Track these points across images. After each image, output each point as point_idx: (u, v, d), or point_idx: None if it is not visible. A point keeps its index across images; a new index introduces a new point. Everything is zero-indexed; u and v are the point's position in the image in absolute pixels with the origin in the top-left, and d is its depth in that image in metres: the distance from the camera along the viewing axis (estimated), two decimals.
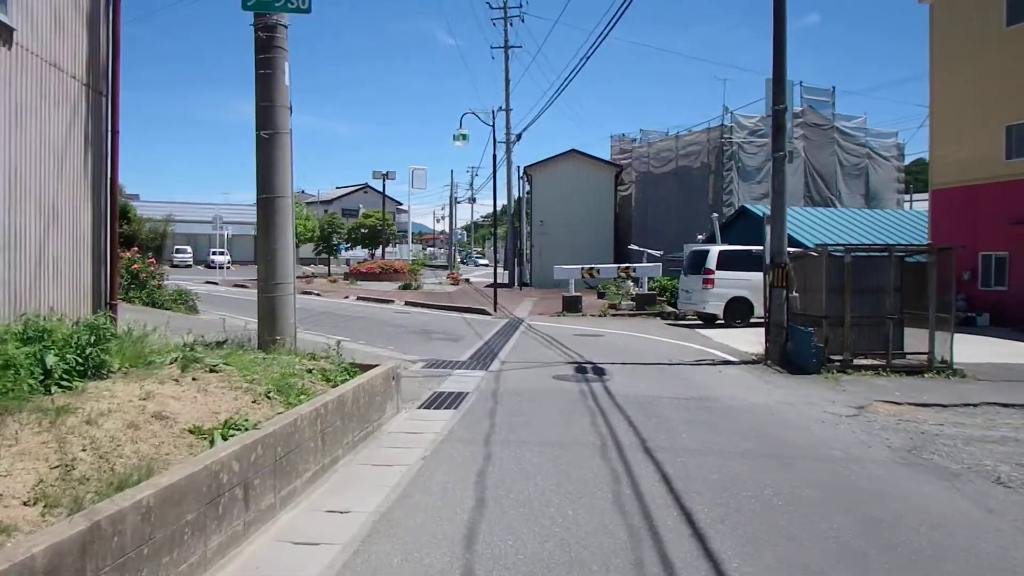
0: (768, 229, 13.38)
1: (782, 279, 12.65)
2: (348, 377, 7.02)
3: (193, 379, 5.72)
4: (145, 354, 6.01)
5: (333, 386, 6.59)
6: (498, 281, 28.35)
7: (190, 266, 54.26)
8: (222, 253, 53.03)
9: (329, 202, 73.06)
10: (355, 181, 79.72)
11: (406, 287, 33.79)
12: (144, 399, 5.07)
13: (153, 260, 19.01)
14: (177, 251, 56.03)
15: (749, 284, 18.17)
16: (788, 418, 8.27)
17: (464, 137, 27.24)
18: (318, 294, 29.92)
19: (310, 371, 6.79)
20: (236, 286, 34.67)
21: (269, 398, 5.69)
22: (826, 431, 7.64)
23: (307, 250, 57.10)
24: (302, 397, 5.88)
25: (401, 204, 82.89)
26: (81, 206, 7.31)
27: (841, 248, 12.70)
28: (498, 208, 31.20)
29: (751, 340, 15.12)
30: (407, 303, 26.22)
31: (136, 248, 19.38)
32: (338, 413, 5.93)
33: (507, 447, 6.62)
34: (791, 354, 12.18)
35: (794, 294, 12.76)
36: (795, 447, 6.95)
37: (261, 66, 7.77)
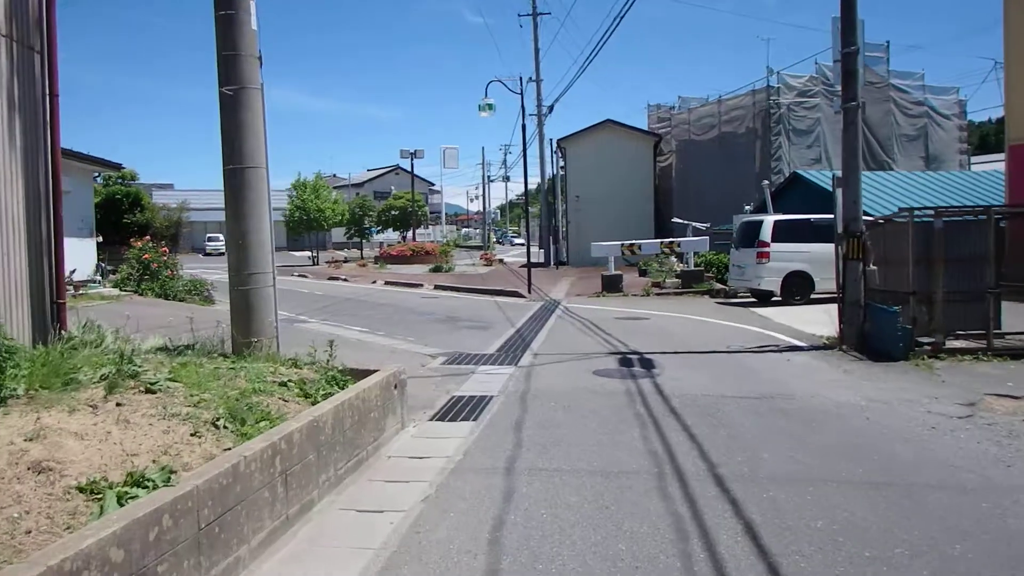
0: (839, 193, 11.74)
1: (858, 250, 11.02)
2: (334, 389, 5.58)
3: (117, 404, 4.33)
4: (65, 371, 4.64)
5: (313, 403, 5.15)
6: (533, 260, 26.82)
7: (223, 254, 53.46)
8: None
9: (360, 185, 71.95)
10: (388, 164, 78.26)
11: (437, 269, 32.44)
12: (31, 439, 3.69)
13: (166, 249, 17.88)
14: (210, 239, 55.48)
15: (809, 257, 16.71)
16: (889, 423, 6.64)
17: (490, 107, 25.57)
18: (345, 279, 28.74)
19: (285, 384, 5.34)
20: None
21: (216, 427, 4.27)
22: (943, 442, 5.99)
23: (339, 234, 56.22)
24: (263, 424, 4.45)
25: (434, 185, 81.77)
26: (7, 185, 5.95)
27: (929, 212, 11.01)
28: (530, 183, 29.66)
29: (817, 320, 13.52)
30: (436, 287, 24.86)
31: (148, 237, 18.25)
32: (311, 443, 4.48)
33: (535, 478, 5.12)
34: (870, 337, 10.56)
35: (871, 267, 11.13)
36: (912, 469, 5.33)
37: (221, 6, 6.29)
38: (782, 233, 17.31)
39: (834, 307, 13.91)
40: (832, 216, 18.49)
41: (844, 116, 11.64)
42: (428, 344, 11.90)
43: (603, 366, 9.80)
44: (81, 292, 15.43)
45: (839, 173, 12.01)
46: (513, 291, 21.82)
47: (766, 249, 17.24)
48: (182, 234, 27.58)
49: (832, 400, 7.59)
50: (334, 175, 76.15)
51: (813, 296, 16.97)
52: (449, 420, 6.85)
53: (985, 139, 45.85)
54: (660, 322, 14.71)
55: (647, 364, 9.93)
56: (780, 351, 11.03)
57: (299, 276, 31.49)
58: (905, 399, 7.54)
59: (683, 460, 5.54)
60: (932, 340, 10.15)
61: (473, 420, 6.82)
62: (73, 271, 16.48)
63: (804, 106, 29.14)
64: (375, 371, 6.21)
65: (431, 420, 6.87)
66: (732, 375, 9.14)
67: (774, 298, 17.55)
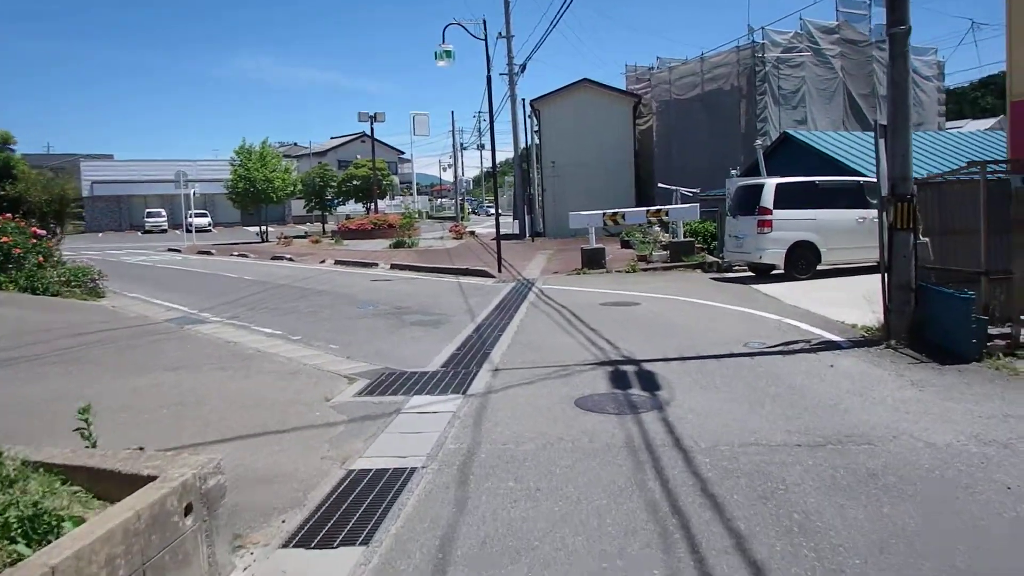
0: (882, 145, 9.22)
1: (908, 218, 8.54)
2: None
3: None
4: None
5: None
6: (507, 232, 23.69)
7: (165, 231, 49.96)
8: (203, 215, 48.93)
9: (323, 154, 67.80)
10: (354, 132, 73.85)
11: (399, 245, 29.18)
12: None
13: (36, 230, 14.37)
14: (149, 215, 52.14)
15: (815, 225, 14.74)
16: None
17: (448, 54, 22.06)
18: (290, 259, 25.35)
19: None
20: (200, 253, 30.33)
21: None
22: None
23: (300, 207, 52.64)
24: None
25: (403, 153, 77.98)
26: None
27: (1002, 167, 8.87)
28: (505, 150, 26.57)
29: (836, 300, 11.22)
30: (393, 266, 21.70)
31: (11, 215, 14.67)
32: None
33: None
34: (927, 329, 8.27)
35: (922, 239, 8.60)
36: None
37: None
38: (785, 198, 14.94)
39: (848, 281, 11.93)
40: (841, 179, 15.96)
41: (890, 45, 9.12)
42: (352, 355, 8.81)
43: (590, 389, 6.87)
44: None
45: (881, 123, 9.53)
46: (481, 270, 18.79)
47: (768, 217, 14.82)
48: (70, 211, 22.80)
49: (928, 444, 5.05)
50: (295, 144, 72.10)
51: (819, 269, 14.92)
52: (319, 545, 3.76)
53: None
54: (654, 308, 11.86)
55: (650, 383, 7.07)
56: (813, 349, 8.40)
57: (239, 256, 27.95)
58: (1021, 434, 5.14)
59: None
60: (1006, 332, 7.91)
61: (362, 544, 3.75)
62: None
63: (790, 64, 27.52)
64: (149, 478, 3.12)
65: (285, 545, 3.77)
66: (769, 397, 6.42)
67: (775, 271, 15.26)
